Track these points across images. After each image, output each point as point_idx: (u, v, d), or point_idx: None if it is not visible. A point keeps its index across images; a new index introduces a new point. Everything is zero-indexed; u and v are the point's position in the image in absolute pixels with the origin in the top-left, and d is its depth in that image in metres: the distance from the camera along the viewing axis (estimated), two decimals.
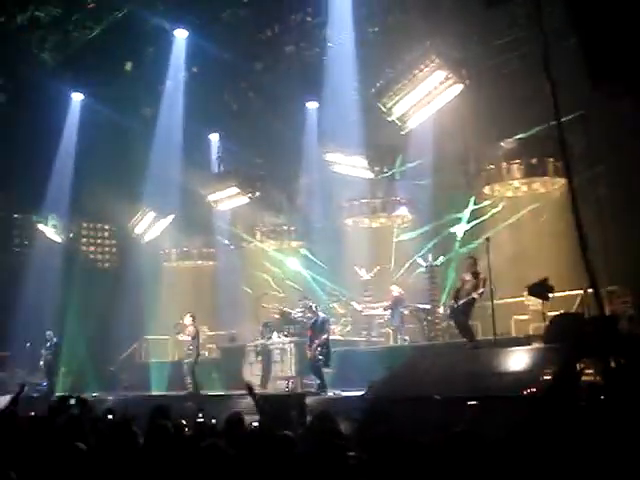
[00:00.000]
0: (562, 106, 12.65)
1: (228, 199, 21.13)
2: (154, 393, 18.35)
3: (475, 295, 13.03)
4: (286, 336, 17.56)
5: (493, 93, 16.46)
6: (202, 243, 23.84)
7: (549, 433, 5.48)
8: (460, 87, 15.10)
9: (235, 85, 21.94)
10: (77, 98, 22.88)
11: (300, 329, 17.33)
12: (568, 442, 5.25)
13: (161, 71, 21.18)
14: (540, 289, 11.95)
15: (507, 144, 17.25)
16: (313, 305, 15.66)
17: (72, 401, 7.89)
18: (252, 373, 17.58)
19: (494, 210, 17.97)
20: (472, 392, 9.59)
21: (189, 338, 16.96)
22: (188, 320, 17.12)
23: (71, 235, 24.15)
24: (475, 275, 13.32)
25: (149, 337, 22.29)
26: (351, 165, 19.16)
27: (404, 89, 15.14)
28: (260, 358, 17.64)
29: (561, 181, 16.55)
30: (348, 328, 18.88)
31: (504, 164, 17.18)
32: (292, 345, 17.02)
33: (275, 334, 17.93)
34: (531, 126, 16.62)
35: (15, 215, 24.75)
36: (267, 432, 7.25)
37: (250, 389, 8.53)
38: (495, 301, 13.15)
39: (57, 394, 18.07)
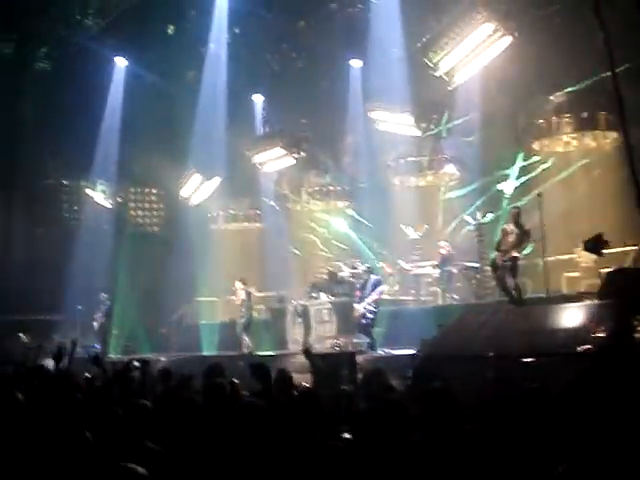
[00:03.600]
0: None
1: (274, 160, 21.09)
2: (206, 354, 18.54)
3: (516, 254, 12.63)
4: (334, 296, 17.59)
5: (542, 45, 15.98)
6: (248, 205, 23.90)
7: (605, 390, 5.38)
8: (508, 40, 14.72)
9: (278, 45, 21.83)
10: (121, 63, 22.91)
11: (348, 289, 17.33)
12: (624, 399, 5.16)
13: (204, 34, 21.10)
14: (595, 245, 11.68)
15: (557, 98, 16.91)
16: (365, 266, 15.73)
17: (136, 363, 8.00)
18: (295, 333, 17.79)
19: (544, 166, 17.64)
20: (525, 350, 9.48)
21: (242, 299, 17.79)
22: (239, 285, 18.00)
23: (119, 200, 24.42)
24: (518, 227, 12.80)
25: (198, 299, 22.50)
26: (397, 123, 18.92)
27: (451, 43, 14.78)
28: (300, 319, 17.87)
29: (613, 135, 16.18)
30: (396, 287, 18.83)
31: (554, 118, 16.86)
32: (334, 305, 17.12)
33: (323, 295, 18.01)
34: (582, 79, 16.24)
35: (64, 181, 25.06)
36: (320, 389, 7.29)
37: (308, 353, 8.54)
38: (546, 258, 12.94)
39: (113, 355, 18.47)
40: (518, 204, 15.68)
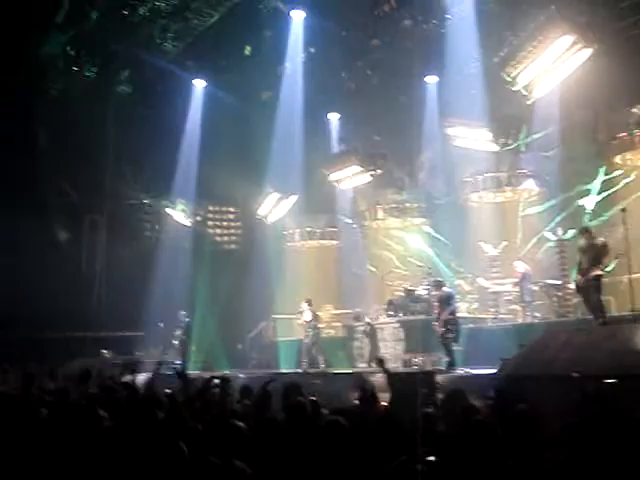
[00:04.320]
0: None
1: (350, 178, 21.15)
2: (284, 371, 18.62)
3: (599, 272, 12.27)
4: (411, 314, 17.53)
5: (623, 57, 15.57)
6: (325, 223, 24.04)
7: None
8: (588, 52, 14.43)
9: (353, 63, 21.90)
10: (199, 85, 23.40)
11: (426, 307, 17.22)
12: None
13: (280, 53, 21.37)
14: None
15: (639, 110, 16.42)
16: (438, 280, 15.52)
17: (216, 380, 8.09)
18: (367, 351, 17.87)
19: (627, 180, 17.17)
20: (612, 370, 9.17)
21: (308, 320, 18.37)
22: (304, 306, 18.48)
23: (198, 218, 24.88)
24: (592, 244, 12.43)
25: (276, 316, 22.65)
26: (474, 138, 18.72)
27: (529, 57, 14.60)
28: (368, 338, 18.07)
29: None
30: (475, 305, 18.56)
31: (637, 131, 16.37)
32: (402, 323, 17.22)
33: (400, 313, 17.99)
34: None
35: (145, 201, 25.67)
36: (399, 409, 7.21)
37: (381, 363, 8.43)
38: (631, 274, 12.53)
39: (192, 372, 18.69)
40: (596, 221, 15.39)
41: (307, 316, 18.39)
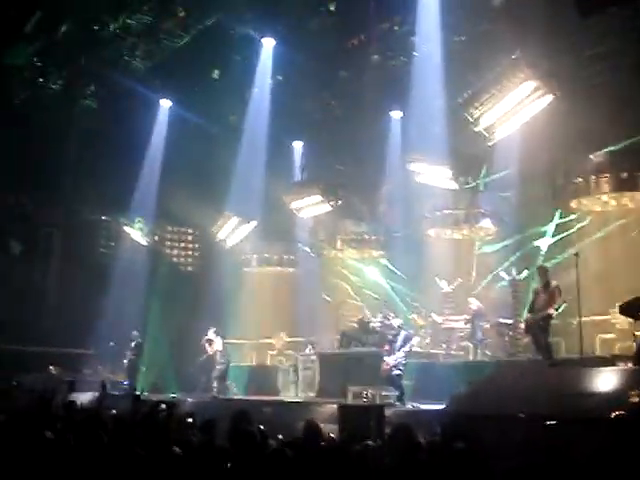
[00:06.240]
0: None
1: (310, 207, 21.18)
2: (232, 397, 18.49)
3: (550, 311, 12.55)
4: (363, 345, 17.57)
5: (583, 105, 15.95)
6: (283, 250, 24.02)
7: (637, 459, 5.27)
8: (549, 98, 14.76)
9: (320, 94, 22.07)
10: (165, 104, 23.36)
11: (378, 339, 17.24)
12: None
13: (248, 79, 21.45)
14: (632, 308, 11.54)
15: (596, 157, 16.83)
16: (398, 321, 15.57)
17: (163, 405, 8.00)
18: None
19: (581, 224, 17.53)
20: (557, 412, 9.30)
21: (213, 350, 18.95)
22: (212, 335, 19.02)
23: (156, 238, 24.68)
24: (547, 286, 12.80)
25: (229, 341, 22.48)
26: (434, 175, 18.96)
27: (492, 99, 14.85)
28: (292, 369, 18.69)
29: None
30: (427, 340, 18.67)
31: (593, 177, 16.75)
32: (353, 355, 17.37)
33: (353, 343, 18.06)
34: (622, 139, 16.18)
35: (103, 217, 25.43)
36: (347, 442, 7.21)
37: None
38: (581, 318, 12.77)
39: (140, 393, 18.49)
40: (549, 263, 15.71)
41: (219, 345, 18.82)
